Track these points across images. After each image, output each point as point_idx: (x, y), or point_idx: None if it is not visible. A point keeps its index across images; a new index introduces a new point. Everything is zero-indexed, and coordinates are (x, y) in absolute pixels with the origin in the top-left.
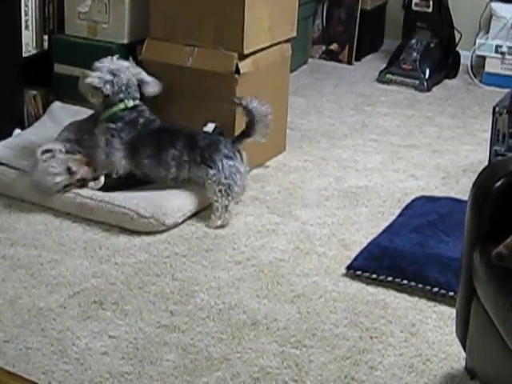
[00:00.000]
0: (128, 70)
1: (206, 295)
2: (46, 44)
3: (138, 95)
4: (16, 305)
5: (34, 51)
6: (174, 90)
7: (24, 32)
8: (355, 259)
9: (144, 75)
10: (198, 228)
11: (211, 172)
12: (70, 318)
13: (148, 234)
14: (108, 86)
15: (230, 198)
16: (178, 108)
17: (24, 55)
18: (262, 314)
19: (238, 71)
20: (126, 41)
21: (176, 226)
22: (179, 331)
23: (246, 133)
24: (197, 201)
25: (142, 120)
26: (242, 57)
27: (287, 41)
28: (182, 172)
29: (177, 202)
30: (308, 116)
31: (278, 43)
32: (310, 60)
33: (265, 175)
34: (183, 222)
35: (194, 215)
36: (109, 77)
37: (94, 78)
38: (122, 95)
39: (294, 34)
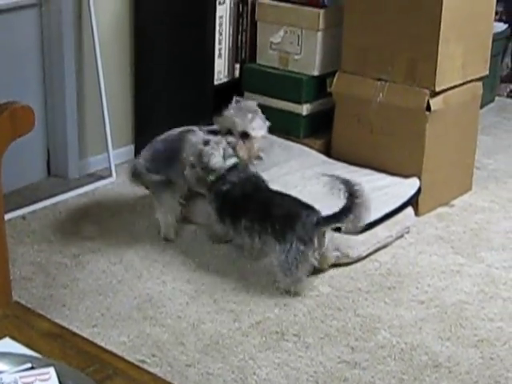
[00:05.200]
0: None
1: (388, 333)
2: (237, 73)
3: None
4: (199, 329)
5: (226, 79)
6: (363, 124)
7: (217, 60)
8: None
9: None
10: (381, 264)
11: (276, 247)
12: (251, 346)
13: (331, 266)
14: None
15: (290, 279)
16: (367, 142)
17: (215, 83)
18: (445, 356)
19: (428, 108)
20: (316, 73)
21: (359, 259)
22: (360, 368)
23: (338, 218)
24: (382, 235)
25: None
26: (434, 94)
27: (479, 79)
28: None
29: (362, 235)
30: (495, 155)
31: (470, 81)
32: (496, 98)
33: (450, 214)
34: (367, 256)
35: (378, 250)
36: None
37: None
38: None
39: (487, 72)
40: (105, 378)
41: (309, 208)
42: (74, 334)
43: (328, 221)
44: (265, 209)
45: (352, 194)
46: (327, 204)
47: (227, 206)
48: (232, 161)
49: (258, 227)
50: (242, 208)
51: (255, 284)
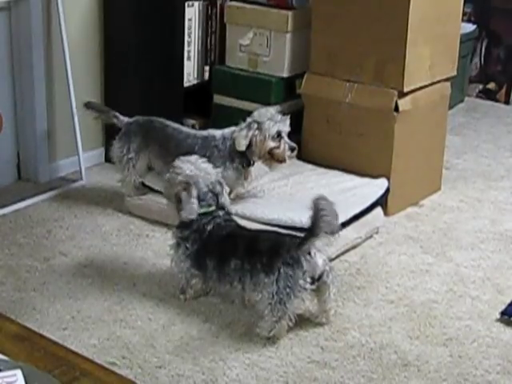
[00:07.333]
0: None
1: (358, 333)
2: (206, 75)
3: (212, 202)
4: (169, 331)
5: (195, 81)
6: (332, 125)
7: (186, 63)
8: (510, 305)
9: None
10: (350, 264)
11: (265, 280)
12: (221, 347)
13: None
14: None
15: (280, 313)
16: (336, 143)
17: (185, 85)
18: (414, 355)
19: (397, 109)
20: (285, 74)
21: (330, 260)
22: (330, 368)
23: (313, 231)
24: (351, 236)
25: (210, 227)
26: (402, 94)
27: (447, 79)
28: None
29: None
30: (464, 155)
31: (438, 82)
32: (466, 98)
33: (419, 214)
34: (337, 257)
35: (348, 251)
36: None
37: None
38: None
39: (455, 73)
40: (72, 380)
41: (292, 235)
42: (42, 337)
43: (308, 238)
44: (252, 245)
45: (315, 207)
46: (294, 206)
47: (210, 247)
48: (204, 209)
49: (248, 266)
50: (231, 247)
51: None
